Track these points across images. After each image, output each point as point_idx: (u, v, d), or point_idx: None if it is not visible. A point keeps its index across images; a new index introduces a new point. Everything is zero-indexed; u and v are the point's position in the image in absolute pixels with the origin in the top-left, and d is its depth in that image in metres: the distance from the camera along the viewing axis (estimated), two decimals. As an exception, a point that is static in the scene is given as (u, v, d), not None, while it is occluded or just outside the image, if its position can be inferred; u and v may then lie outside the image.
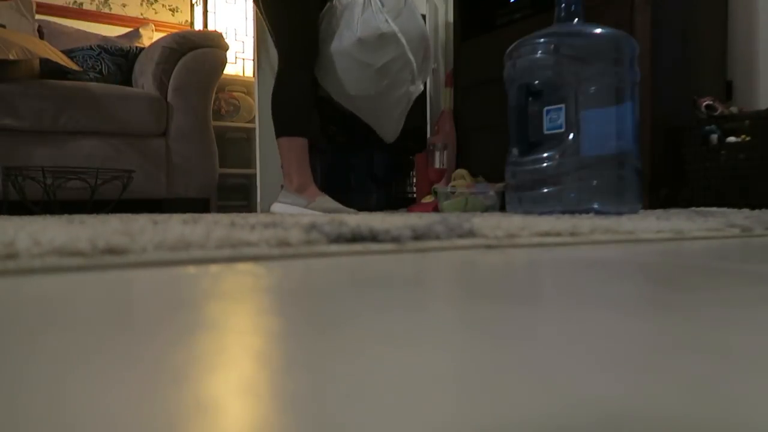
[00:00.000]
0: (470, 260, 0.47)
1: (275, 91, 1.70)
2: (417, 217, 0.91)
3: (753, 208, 1.49)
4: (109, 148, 1.99)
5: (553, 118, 1.27)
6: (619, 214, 1.18)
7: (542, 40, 1.29)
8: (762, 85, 1.89)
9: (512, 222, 0.72)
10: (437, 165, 2.39)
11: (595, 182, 1.22)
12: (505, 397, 0.14)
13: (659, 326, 0.22)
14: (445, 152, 2.39)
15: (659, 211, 1.36)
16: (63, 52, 2.09)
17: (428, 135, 2.58)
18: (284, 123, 1.64)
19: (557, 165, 1.25)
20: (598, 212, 1.20)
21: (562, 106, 1.25)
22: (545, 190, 1.26)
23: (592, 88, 1.23)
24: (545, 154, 1.27)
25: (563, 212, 1.21)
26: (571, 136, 1.24)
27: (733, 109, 1.77)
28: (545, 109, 1.28)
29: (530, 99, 1.32)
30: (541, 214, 1.23)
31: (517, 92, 1.34)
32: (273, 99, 1.70)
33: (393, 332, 0.21)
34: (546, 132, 1.28)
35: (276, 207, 1.63)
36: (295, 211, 1.58)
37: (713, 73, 1.91)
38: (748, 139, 1.62)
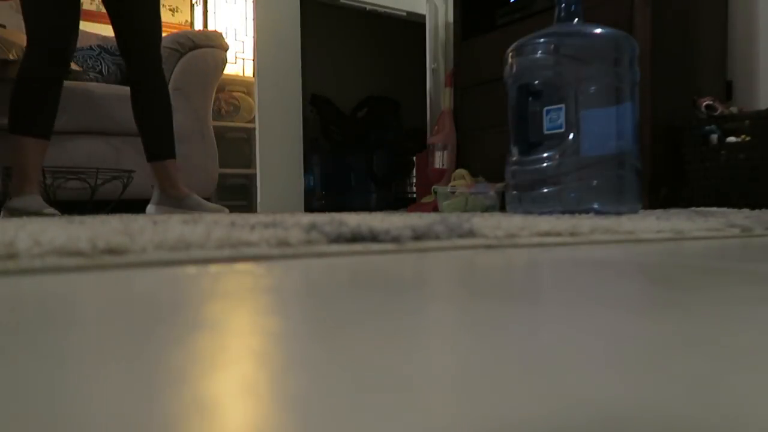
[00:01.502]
0: (470, 260, 0.47)
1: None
2: (417, 217, 0.91)
3: (753, 208, 1.49)
4: (109, 148, 1.99)
5: (553, 118, 1.27)
6: (619, 214, 1.18)
7: (542, 40, 1.29)
8: (762, 85, 1.89)
9: (512, 222, 0.72)
10: (437, 165, 2.39)
11: (595, 182, 1.22)
12: (505, 397, 0.14)
13: (659, 326, 0.22)
14: (445, 152, 2.39)
15: (659, 211, 1.36)
16: (63, 52, 2.09)
17: (428, 135, 2.58)
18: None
19: (557, 165, 1.25)
20: (598, 212, 1.20)
21: (562, 106, 1.25)
22: (545, 190, 1.26)
23: (592, 88, 1.23)
24: (545, 154, 1.27)
25: (563, 212, 1.21)
26: (571, 136, 1.24)
27: (733, 109, 1.77)
28: (545, 109, 1.28)
29: (530, 99, 1.32)
30: (541, 214, 1.23)
31: (517, 92, 1.34)
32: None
33: (393, 332, 0.21)
34: (546, 132, 1.28)
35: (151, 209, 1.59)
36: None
37: (713, 73, 1.91)
38: (748, 139, 1.62)
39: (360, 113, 3.21)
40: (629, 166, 1.24)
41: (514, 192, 1.33)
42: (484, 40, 2.30)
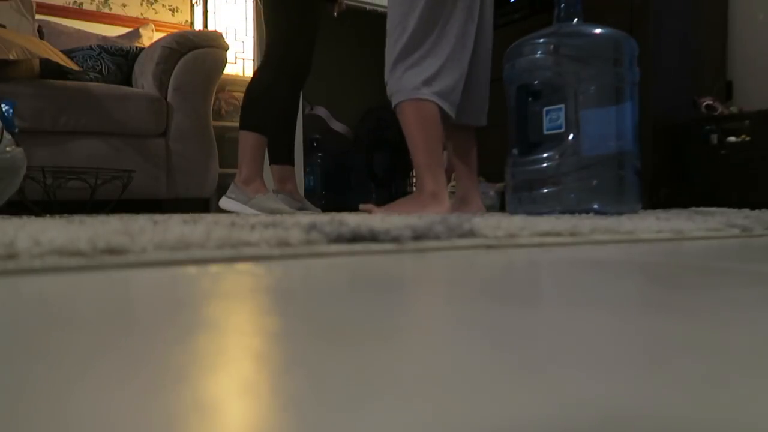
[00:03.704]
0: (470, 260, 0.47)
1: (248, 86, 1.75)
2: (417, 217, 0.91)
3: (753, 208, 1.49)
4: (109, 148, 1.99)
5: (553, 119, 1.27)
6: (619, 214, 1.18)
7: (542, 40, 1.29)
8: (762, 85, 1.89)
9: (512, 222, 0.72)
10: (437, 165, 2.38)
11: (595, 182, 1.22)
12: (505, 398, 0.14)
13: (659, 326, 0.22)
14: (445, 152, 2.38)
15: (659, 211, 1.36)
16: (63, 52, 2.09)
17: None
18: (244, 117, 1.71)
19: (557, 165, 1.24)
20: (598, 212, 1.20)
21: (562, 106, 1.25)
22: (545, 191, 1.26)
23: (592, 88, 1.23)
24: (545, 155, 1.27)
25: (563, 212, 1.21)
26: (571, 136, 1.24)
27: (733, 109, 1.77)
28: (545, 109, 1.28)
29: (530, 99, 1.32)
30: (541, 214, 1.23)
31: (517, 92, 1.34)
32: (245, 92, 1.75)
33: (393, 332, 0.21)
34: (546, 132, 1.28)
35: (223, 202, 1.66)
36: (238, 209, 1.62)
37: (713, 73, 1.91)
38: (748, 139, 1.62)
39: (361, 131, 3.19)
40: (629, 166, 1.24)
41: (514, 192, 1.33)
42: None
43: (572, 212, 1.20)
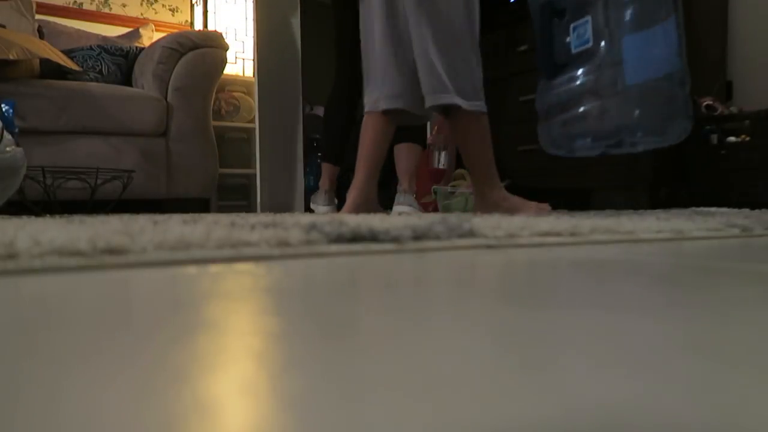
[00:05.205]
0: (470, 260, 0.47)
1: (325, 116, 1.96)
2: (417, 217, 0.91)
3: (753, 208, 1.49)
4: (109, 148, 1.99)
5: (581, 33, 1.17)
6: (666, 140, 1.07)
7: None
8: (762, 85, 1.89)
9: (512, 222, 0.72)
10: (437, 165, 2.39)
11: (638, 112, 1.10)
12: (506, 398, 0.14)
13: (659, 326, 0.22)
14: (445, 152, 2.38)
15: (659, 211, 1.36)
16: (63, 52, 2.09)
17: (428, 135, 2.58)
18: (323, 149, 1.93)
19: (593, 80, 1.13)
20: (642, 139, 1.09)
21: (588, 18, 1.14)
22: (581, 110, 1.15)
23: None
24: (578, 72, 1.17)
25: (599, 138, 1.11)
26: (602, 45, 1.13)
27: (733, 109, 1.77)
28: (572, 25, 1.18)
29: (555, 19, 1.22)
30: (574, 143, 1.13)
31: (541, 13, 1.24)
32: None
33: (392, 333, 0.21)
34: (574, 51, 1.18)
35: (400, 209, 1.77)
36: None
37: (713, 73, 1.91)
38: (748, 139, 1.62)
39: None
40: (677, 86, 1.10)
41: (546, 120, 1.22)
42: (485, 39, 2.30)
43: (611, 140, 1.11)
